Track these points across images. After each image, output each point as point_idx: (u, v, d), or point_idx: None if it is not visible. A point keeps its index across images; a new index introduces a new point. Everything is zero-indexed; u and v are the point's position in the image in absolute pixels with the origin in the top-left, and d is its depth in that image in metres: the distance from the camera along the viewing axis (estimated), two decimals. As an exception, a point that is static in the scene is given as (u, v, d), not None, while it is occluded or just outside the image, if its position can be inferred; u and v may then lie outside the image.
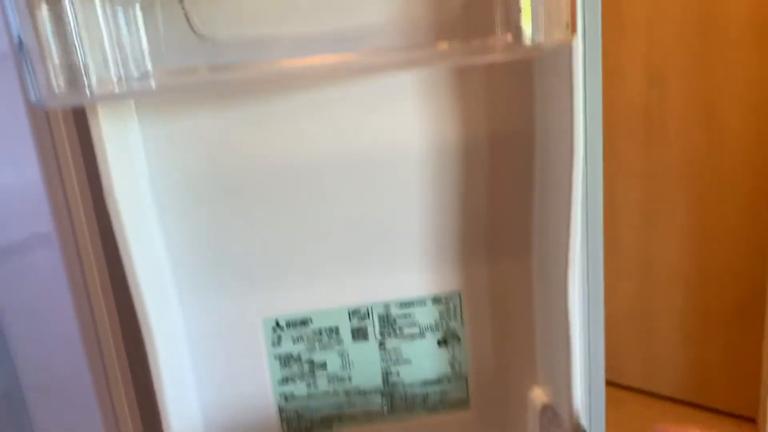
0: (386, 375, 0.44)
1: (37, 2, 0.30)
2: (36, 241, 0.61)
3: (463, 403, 0.46)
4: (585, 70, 0.33)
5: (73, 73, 0.31)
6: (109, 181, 0.34)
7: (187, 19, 0.35)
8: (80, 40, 0.32)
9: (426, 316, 0.44)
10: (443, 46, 0.38)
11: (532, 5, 0.32)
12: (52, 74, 0.29)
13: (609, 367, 0.43)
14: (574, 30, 0.30)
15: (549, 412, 0.41)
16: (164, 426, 0.38)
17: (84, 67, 0.31)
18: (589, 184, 0.39)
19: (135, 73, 0.35)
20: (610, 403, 0.44)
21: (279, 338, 0.43)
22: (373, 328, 0.43)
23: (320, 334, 0.43)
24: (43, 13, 0.31)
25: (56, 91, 0.29)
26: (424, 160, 0.40)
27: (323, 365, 0.44)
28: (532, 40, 0.28)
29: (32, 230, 0.61)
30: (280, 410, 0.45)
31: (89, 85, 0.31)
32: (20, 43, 0.30)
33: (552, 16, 0.31)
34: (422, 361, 0.45)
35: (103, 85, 0.32)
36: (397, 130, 0.39)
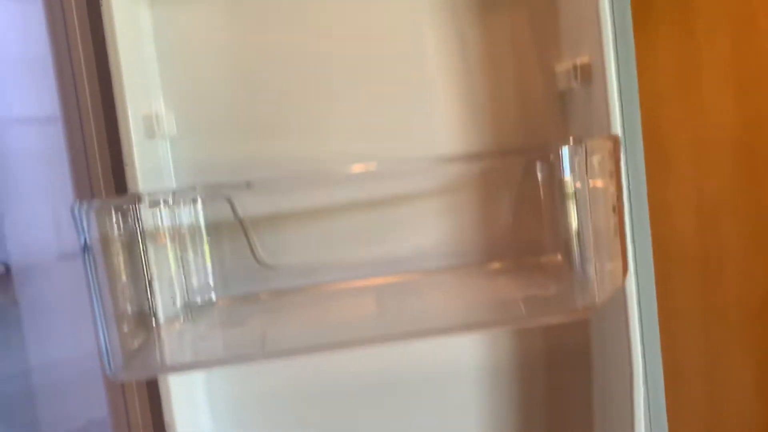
0: None
1: (116, 253, 0.33)
2: (92, 429, 0.61)
3: None
4: (640, 307, 0.33)
5: (142, 314, 0.33)
6: (170, 408, 0.35)
7: (252, 251, 0.37)
8: (151, 282, 0.34)
9: None
10: (495, 265, 0.39)
11: (580, 228, 0.33)
12: (125, 328, 0.31)
13: None
14: (625, 271, 0.31)
15: None
16: None
17: (153, 308, 0.33)
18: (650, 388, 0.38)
19: (199, 303, 0.37)
20: None
21: None
22: None
23: None
24: (120, 259, 0.33)
25: (129, 342, 0.30)
26: (480, 377, 0.40)
27: None
28: (583, 291, 0.28)
29: (88, 417, 0.61)
30: None
31: (156, 324, 0.33)
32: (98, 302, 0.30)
33: (601, 252, 0.32)
34: None
35: (168, 321, 0.34)
36: (454, 347, 0.40)
